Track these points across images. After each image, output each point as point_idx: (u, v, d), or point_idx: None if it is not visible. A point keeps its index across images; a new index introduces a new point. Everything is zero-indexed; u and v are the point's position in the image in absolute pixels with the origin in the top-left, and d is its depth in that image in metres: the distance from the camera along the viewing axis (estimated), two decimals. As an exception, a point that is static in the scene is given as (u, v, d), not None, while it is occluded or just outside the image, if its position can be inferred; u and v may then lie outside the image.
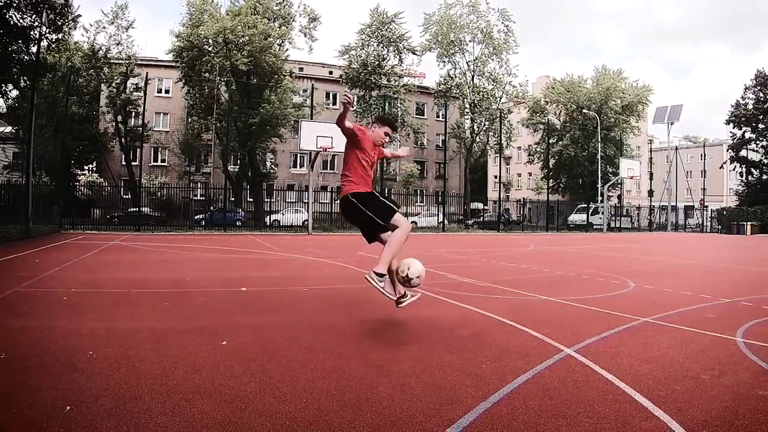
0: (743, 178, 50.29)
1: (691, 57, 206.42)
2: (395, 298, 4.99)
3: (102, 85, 37.47)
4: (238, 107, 34.23)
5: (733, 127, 49.62)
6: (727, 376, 3.74)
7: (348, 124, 4.79)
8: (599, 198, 41.89)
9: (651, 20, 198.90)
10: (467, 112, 47.50)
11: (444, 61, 46.74)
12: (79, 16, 28.38)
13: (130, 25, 37.30)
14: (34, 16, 20.63)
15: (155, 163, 44.32)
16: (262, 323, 5.40)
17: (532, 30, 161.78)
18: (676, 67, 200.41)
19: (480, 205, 57.05)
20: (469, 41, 46.65)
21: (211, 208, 34.71)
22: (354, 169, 4.97)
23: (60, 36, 26.14)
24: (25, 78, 22.42)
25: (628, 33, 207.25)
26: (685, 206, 50.94)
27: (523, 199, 52.26)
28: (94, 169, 42.90)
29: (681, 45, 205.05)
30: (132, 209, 31.83)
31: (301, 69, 46.78)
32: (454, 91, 45.87)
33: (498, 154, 45.74)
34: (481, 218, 45.42)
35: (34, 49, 21.07)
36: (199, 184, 41.74)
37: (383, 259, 4.68)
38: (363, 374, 3.63)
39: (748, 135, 48.88)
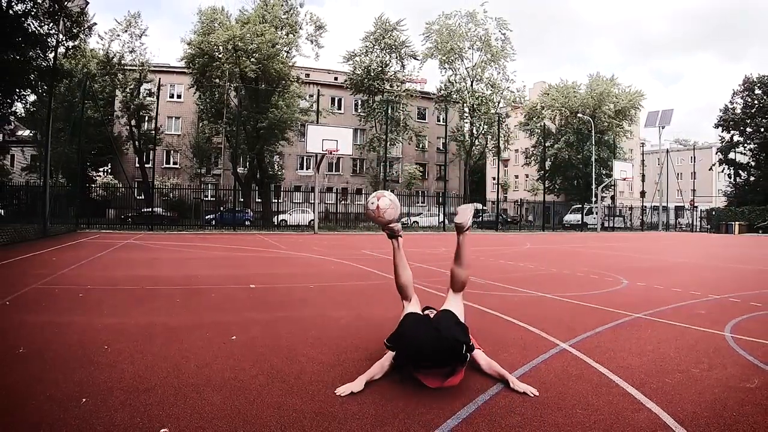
0: (731, 180, 50.19)
1: (680, 66, 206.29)
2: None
3: (116, 90, 37.56)
4: (247, 112, 34.28)
5: (722, 131, 49.54)
6: (716, 370, 3.73)
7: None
8: (593, 199, 41.83)
9: (642, 31, 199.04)
10: (467, 117, 47.46)
11: (444, 68, 46.74)
12: (95, 24, 28.53)
13: (143, 33, 37.45)
14: (51, 24, 20.70)
15: (167, 165, 44.33)
16: (271, 319, 5.41)
17: (529, 40, 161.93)
18: (666, 75, 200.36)
19: (479, 206, 56.89)
20: (468, 48, 46.61)
21: (221, 208, 34.76)
22: None
23: (76, 43, 26.20)
24: (42, 83, 22.48)
25: (620, 43, 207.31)
26: (675, 207, 50.83)
27: (521, 199, 52.12)
28: (109, 170, 42.98)
29: (671, 55, 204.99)
30: (145, 209, 31.85)
31: (308, 75, 46.78)
32: (454, 96, 45.82)
33: (496, 157, 45.74)
34: (480, 218, 45.35)
35: (51, 55, 21.13)
36: (209, 185, 41.78)
37: (402, 264, 3.92)
38: (367, 368, 3.63)
39: (736, 138, 48.77)
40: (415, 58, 45.69)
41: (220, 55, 33.77)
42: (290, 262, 12.24)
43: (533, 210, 49.36)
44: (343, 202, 41.79)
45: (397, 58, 44.53)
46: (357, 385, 3.23)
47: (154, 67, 39.16)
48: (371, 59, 43.62)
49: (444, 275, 9.26)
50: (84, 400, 2.91)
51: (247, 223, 33.38)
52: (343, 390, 3.16)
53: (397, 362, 3.47)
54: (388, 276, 9.25)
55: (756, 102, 46.88)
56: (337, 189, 44.34)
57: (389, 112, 40.73)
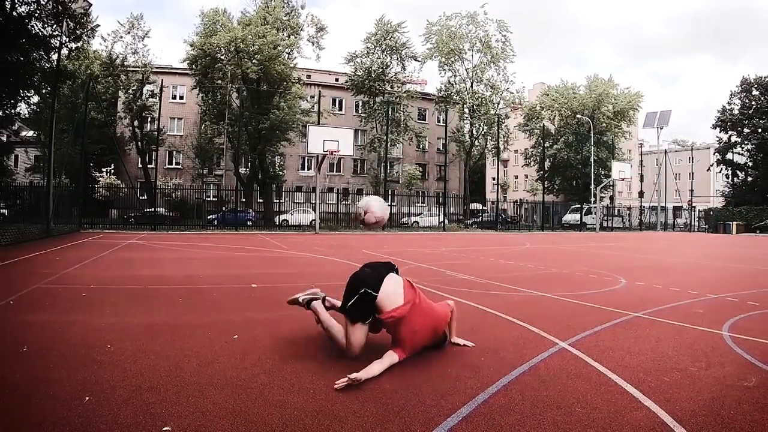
0: (729, 180, 50.21)
1: (677, 67, 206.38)
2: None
3: (119, 91, 37.55)
4: (249, 113, 34.28)
5: (720, 131, 49.59)
6: (713, 369, 3.73)
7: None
8: (592, 199, 41.79)
9: (640, 34, 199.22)
10: (466, 117, 47.49)
11: (444, 69, 46.75)
12: (98, 26, 28.58)
13: (146, 34, 37.44)
14: (55, 25, 20.70)
15: (170, 166, 44.37)
16: (272, 318, 5.41)
17: (528, 42, 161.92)
18: (664, 76, 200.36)
19: (479, 206, 56.98)
20: (468, 50, 46.64)
21: (223, 208, 34.76)
22: None
23: (79, 45, 26.21)
24: (46, 84, 22.49)
25: (619, 46, 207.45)
26: (673, 207, 50.81)
27: (520, 199, 52.27)
28: (112, 171, 43.04)
29: (668, 56, 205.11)
30: (148, 209, 31.88)
31: (309, 76, 46.76)
32: (454, 97, 45.85)
33: (496, 157, 45.70)
34: (480, 218, 45.43)
35: (54, 57, 21.14)
36: (211, 185, 41.77)
37: (324, 316, 4.15)
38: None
39: (733, 139, 48.79)
40: (415, 60, 45.74)
41: (222, 57, 33.78)
42: (292, 262, 12.23)
43: (533, 210, 49.35)
44: (344, 202, 41.81)
45: (398, 59, 44.55)
46: (362, 374, 3.26)
47: (157, 68, 39.18)
48: (372, 60, 43.64)
49: (446, 275, 9.26)
50: (87, 398, 2.91)
51: (248, 223, 33.40)
52: (340, 383, 3.18)
53: (360, 308, 3.75)
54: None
55: (753, 103, 46.91)
56: (338, 189, 44.30)
57: (390, 113, 40.74)
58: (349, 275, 4.03)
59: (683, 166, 68.87)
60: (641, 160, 49.55)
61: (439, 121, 50.66)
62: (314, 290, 4.37)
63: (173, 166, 44.62)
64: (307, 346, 4.18)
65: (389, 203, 37.00)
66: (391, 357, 3.57)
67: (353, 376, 3.18)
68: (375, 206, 4.20)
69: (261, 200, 38.89)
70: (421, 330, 3.75)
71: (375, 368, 3.43)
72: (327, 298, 4.49)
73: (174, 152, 44.44)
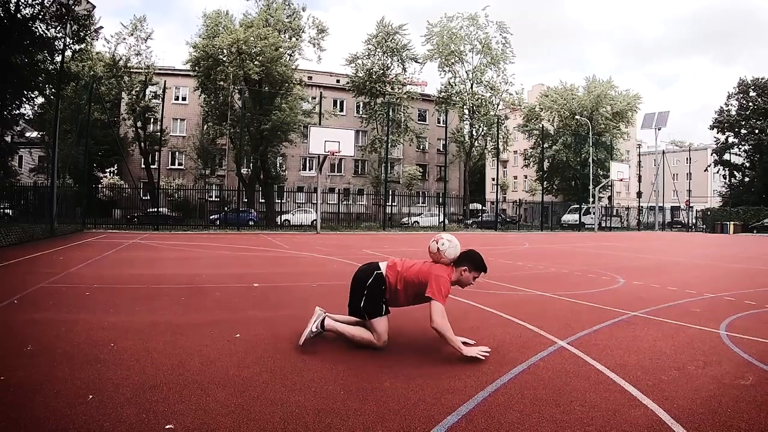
0: (726, 181, 50.21)
1: (675, 69, 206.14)
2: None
3: (122, 92, 37.48)
4: (251, 114, 34.23)
5: (717, 132, 49.52)
6: (711, 367, 3.73)
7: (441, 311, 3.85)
8: (591, 199, 41.75)
9: (637, 36, 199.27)
10: (466, 118, 47.49)
11: (444, 70, 46.77)
12: (101, 27, 28.55)
13: (149, 36, 37.39)
14: (59, 27, 20.72)
15: (173, 167, 44.35)
16: (274, 317, 5.41)
17: (526, 44, 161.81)
18: (662, 78, 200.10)
19: (478, 206, 56.91)
20: (469, 51, 46.67)
21: (226, 208, 34.75)
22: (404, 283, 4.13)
23: (83, 46, 26.22)
24: (50, 86, 22.51)
25: (616, 48, 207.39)
26: (671, 207, 50.78)
27: (519, 200, 52.13)
28: (115, 171, 42.96)
29: (666, 59, 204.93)
30: (151, 210, 31.84)
31: (310, 78, 46.66)
32: (454, 98, 45.82)
33: (495, 158, 45.69)
34: (480, 218, 45.40)
35: (58, 58, 21.15)
36: (214, 186, 41.72)
37: (342, 328, 4.18)
38: (368, 366, 3.63)
39: (731, 140, 48.77)
40: (416, 62, 45.72)
41: (224, 58, 33.73)
42: (293, 262, 12.24)
43: (532, 210, 49.30)
44: (345, 202, 41.78)
45: (398, 61, 44.53)
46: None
47: (160, 69, 39.18)
48: (373, 62, 43.65)
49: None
50: (90, 396, 2.91)
51: (250, 223, 33.37)
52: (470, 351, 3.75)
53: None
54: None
55: (751, 104, 46.89)
56: (339, 190, 44.30)
57: (390, 114, 40.75)
58: (351, 280, 4.29)
59: (681, 167, 68.75)
60: (639, 161, 49.54)
61: (439, 122, 50.63)
62: (318, 314, 4.26)
63: (176, 166, 44.60)
64: (309, 346, 4.17)
65: (390, 203, 37.14)
66: (436, 308, 3.81)
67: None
68: (449, 249, 4.20)
69: (263, 200, 38.83)
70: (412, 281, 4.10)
71: (447, 330, 3.77)
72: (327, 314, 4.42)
73: (177, 153, 44.44)
